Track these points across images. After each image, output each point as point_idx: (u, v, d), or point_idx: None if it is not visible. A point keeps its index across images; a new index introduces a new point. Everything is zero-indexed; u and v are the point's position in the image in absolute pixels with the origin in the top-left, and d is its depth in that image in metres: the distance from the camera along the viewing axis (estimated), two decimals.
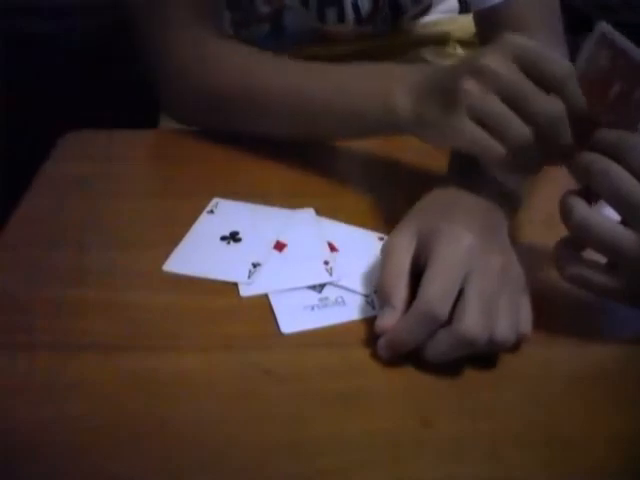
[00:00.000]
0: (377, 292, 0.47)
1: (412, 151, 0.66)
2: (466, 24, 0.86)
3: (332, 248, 0.53)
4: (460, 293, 0.43)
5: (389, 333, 0.43)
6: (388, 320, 0.44)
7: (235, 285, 0.50)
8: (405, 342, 0.43)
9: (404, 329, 0.43)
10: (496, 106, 0.45)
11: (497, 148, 0.45)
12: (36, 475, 0.39)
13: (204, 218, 0.56)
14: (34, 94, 1.15)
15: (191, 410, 0.42)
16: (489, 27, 0.68)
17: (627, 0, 1.25)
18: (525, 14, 0.65)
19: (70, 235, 0.55)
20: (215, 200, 0.57)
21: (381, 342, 0.44)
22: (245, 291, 0.50)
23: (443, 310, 0.42)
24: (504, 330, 0.42)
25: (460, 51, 0.86)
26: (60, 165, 0.63)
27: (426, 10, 0.82)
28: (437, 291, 0.42)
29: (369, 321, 0.47)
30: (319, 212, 0.57)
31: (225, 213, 0.56)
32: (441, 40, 0.85)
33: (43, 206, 0.58)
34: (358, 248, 0.53)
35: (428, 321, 0.42)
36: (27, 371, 0.43)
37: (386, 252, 0.46)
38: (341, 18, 0.74)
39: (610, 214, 0.44)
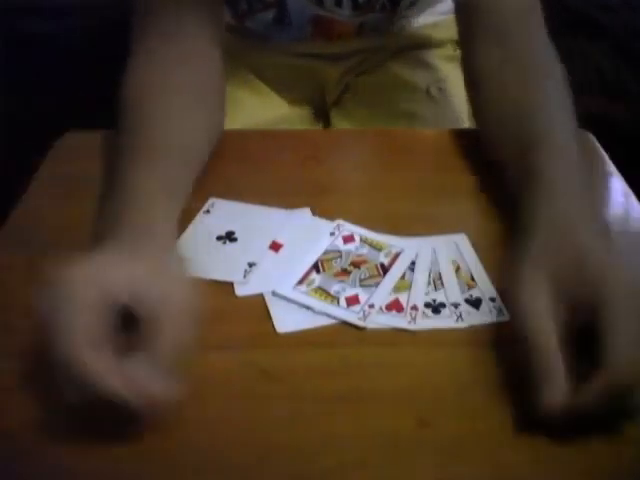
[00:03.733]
0: (532, 366, 0.41)
1: (411, 151, 0.66)
2: None
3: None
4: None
5: (567, 411, 0.39)
6: (560, 398, 0.39)
7: (231, 285, 0.50)
8: (591, 414, 0.39)
9: (593, 403, 0.39)
10: None
11: None
12: (36, 475, 0.39)
13: (200, 218, 0.56)
14: (34, 94, 1.15)
15: (188, 409, 0.42)
16: (467, 13, 0.65)
17: (627, 0, 1.25)
18: (507, 9, 0.62)
19: (69, 235, 0.55)
20: (211, 200, 0.57)
21: (554, 420, 0.40)
22: (241, 291, 0.50)
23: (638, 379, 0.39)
24: None
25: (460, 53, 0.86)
26: (59, 165, 0.63)
27: None
28: (635, 359, 0.39)
29: None
30: (315, 212, 0.57)
31: (221, 213, 0.56)
32: (440, 42, 0.85)
33: (42, 206, 0.58)
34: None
35: (624, 392, 0.39)
36: (27, 371, 0.43)
37: (530, 320, 0.42)
38: (338, 2, 0.74)
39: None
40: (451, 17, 0.87)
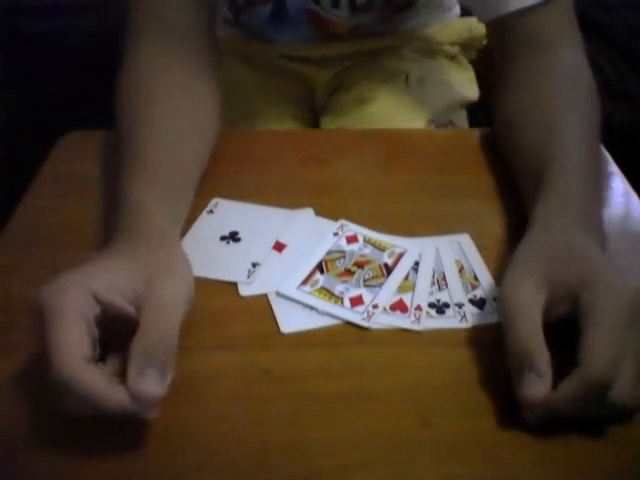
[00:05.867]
0: (512, 353, 0.42)
1: (415, 151, 0.66)
2: (460, 28, 0.85)
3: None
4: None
5: (547, 404, 0.40)
6: (539, 390, 0.39)
7: (235, 285, 0.50)
8: (567, 413, 0.40)
9: (568, 401, 0.39)
10: None
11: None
12: (34, 476, 0.39)
13: (204, 218, 0.56)
14: (34, 94, 1.15)
15: (191, 410, 0.42)
16: (503, 37, 0.64)
17: (627, 0, 1.25)
18: (542, 20, 0.61)
19: (70, 235, 0.55)
20: (215, 200, 0.57)
21: (535, 413, 0.40)
22: (245, 291, 0.50)
23: (614, 377, 0.39)
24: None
25: (456, 50, 0.86)
26: (59, 165, 0.63)
27: None
28: (610, 359, 0.39)
29: None
30: (318, 212, 0.57)
31: (225, 213, 0.56)
32: (436, 41, 0.85)
33: (43, 206, 0.58)
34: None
35: (598, 391, 0.39)
36: (27, 371, 0.43)
37: (513, 306, 0.42)
38: (335, 3, 0.74)
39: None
40: (450, 23, 0.87)
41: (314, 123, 0.83)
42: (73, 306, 0.39)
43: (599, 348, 0.39)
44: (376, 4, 0.75)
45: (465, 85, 0.85)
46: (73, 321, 0.39)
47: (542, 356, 0.40)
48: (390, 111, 0.78)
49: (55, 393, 0.38)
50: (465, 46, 0.86)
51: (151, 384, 0.38)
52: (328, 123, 0.80)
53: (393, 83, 0.80)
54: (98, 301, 0.40)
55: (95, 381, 0.38)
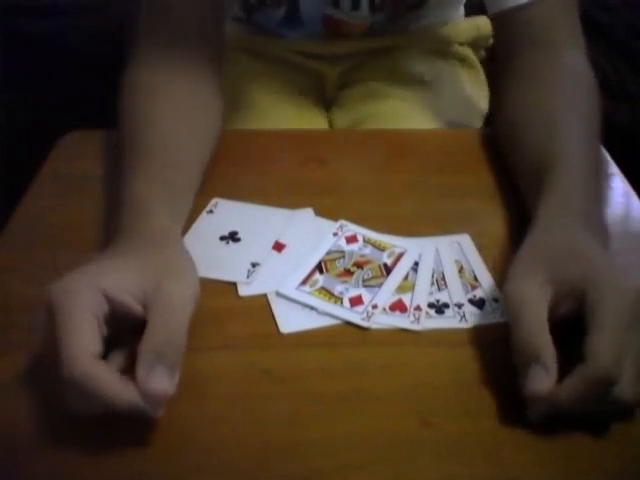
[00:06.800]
0: (518, 349, 0.42)
1: (414, 151, 0.66)
2: (468, 27, 0.86)
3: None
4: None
5: (550, 399, 0.40)
6: (545, 384, 0.40)
7: (234, 285, 0.50)
8: (572, 409, 0.40)
9: (572, 396, 0.39)
10: None
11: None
12: (34, 476, 0.39)
13: (203, 218, 0.56)
14: (34, 94, 1.15)
15: (191, 410, 0.42)
16: (507, 32, 0.65)
17: (627, 0, 1.25)
18: (545, 18, 0.62)
19: (70, 235, 0.55)
20: (214, 200, 0.57)
21: (539, 408, 0.40)
22: (244, 291, 0.50)
23: (619, 374, 0.39)
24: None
25: (469, 51, 0.86)
26: (59, 165, 0.63)
27: None
28: (613, 355, 0.39)
29: None
30: (318, 212, 0.57)
31: (224, 213, 0.56)
32: (446, 41, 0.85)
33: (43, 206, 0.58)
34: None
35: (603, 387, 0.39)
36: (27, 371, 0.43)
37: (519, 303, 0.43)
38: (356, 5, 0.74)
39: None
40: (457, 20, 0.87)
41: (324, 116, 0.83)
42: (84, 305, 0.39)
43: (604, 346, 0.39)
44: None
45: (476, 89, 0.85)
46: (84, 320, 0.39)
47: (548, 351, 0.40)
48: (405, 110, 0.78)
49: (63, 391, 0.38)
50: (473, 45, 0.86)
51: (160, 382, 0.38)
52: (340, 116, 0.81)
53: (406, 82, 0.80)
54: (108, 300, 0.40)
55: (107, 378, 0.38)
